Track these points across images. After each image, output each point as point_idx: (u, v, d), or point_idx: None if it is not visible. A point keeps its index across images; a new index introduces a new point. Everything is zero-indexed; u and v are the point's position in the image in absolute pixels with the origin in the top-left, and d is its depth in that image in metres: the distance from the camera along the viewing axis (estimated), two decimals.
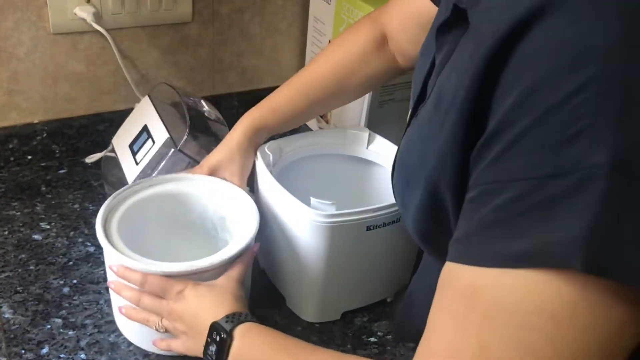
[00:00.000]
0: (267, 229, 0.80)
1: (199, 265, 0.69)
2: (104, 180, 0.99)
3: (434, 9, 0.63)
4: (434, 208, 0.50)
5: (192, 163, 0.87)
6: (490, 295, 0.41)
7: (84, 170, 1.05)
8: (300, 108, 0.84)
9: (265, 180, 0.78)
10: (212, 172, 0.81)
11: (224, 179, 0.81)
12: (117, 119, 1.04)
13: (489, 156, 0.41)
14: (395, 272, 0.84)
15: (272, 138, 0.85)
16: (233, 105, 1.22)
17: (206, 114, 0.95)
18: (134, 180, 0.88)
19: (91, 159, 1.06)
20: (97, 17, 1.00)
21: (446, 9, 0.52)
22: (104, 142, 1.07)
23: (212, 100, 1.15)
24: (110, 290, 0.75)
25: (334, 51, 0.85)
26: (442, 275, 0.46)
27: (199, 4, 1.08)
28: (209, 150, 0.85)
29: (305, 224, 0.73)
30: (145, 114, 0.94)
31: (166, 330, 0.70)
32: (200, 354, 0.68)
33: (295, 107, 0.84)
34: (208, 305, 0.68)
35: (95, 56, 1.04)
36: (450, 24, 0.50)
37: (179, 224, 0.82)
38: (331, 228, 0.72)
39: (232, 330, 0.64)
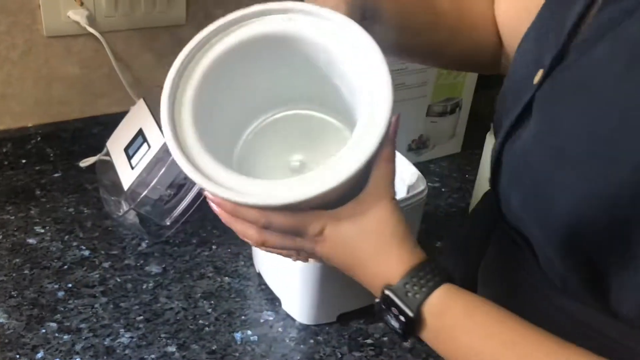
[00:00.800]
0: None
1: (330, 184, 0.48)
2: (99, 183, 0.99)
3: None
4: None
5: None
6: None
7: (78, 173, 1.05)
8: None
9: None
10: None
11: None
12: (111, 122, 1.03)
13: None
14: None
15: None
16: None
17: None
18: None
19: (85, 162, 1.06)
20: (91, 19, 0.99)
21: None
22: (98, 145, 1.06)
23: None
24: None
25: None
26: None
27: (193, 6, 1.08)
28: None
29: None
30: (140, 118, 0.94)
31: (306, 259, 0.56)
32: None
33: None
34: (364, 254, 0.50)
35: (89, 59, 1.04)
36: None
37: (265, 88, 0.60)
38: None
39: (418, 308, 0.47)
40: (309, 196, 0.48)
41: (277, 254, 0.56)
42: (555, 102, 0.46)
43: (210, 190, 0.50)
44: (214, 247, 0.92)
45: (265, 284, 0.85)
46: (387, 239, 0.49)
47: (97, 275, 0.85)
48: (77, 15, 0.98)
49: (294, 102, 0.62)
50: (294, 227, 0.51)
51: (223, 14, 1.19)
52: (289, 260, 0.77)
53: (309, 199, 0.48)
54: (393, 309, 0.48)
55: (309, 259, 0.56)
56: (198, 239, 0.93)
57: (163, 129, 0.52)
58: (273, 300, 0.84)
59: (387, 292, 0.48)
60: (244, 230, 0.53)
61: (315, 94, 0.60)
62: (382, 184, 0.50)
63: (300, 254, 0.54)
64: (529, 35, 0.57)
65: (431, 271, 0.48)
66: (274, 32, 0.54)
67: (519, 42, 0.57)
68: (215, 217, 0.97)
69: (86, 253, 0.89)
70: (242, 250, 0.92)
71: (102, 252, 0.89)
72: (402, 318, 0.47)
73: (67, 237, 0.91)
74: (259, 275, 0.87)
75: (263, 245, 0.53)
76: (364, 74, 0.51)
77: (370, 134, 0.49)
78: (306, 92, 0.60)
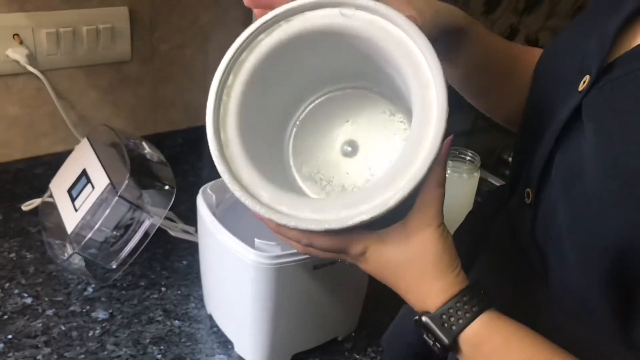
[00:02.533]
0: (212, 272, 0.77)
1: (374, 212, 0.47)
2: (42, 227, 0.95)
3: None
4: None
5: (134, 209, 0.84)
6: None
7: (20, 216, 1.01)
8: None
9: (208, 222, 0.76)
10: None
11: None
12: (55, 161, 1.00)
13: None
14: (346, 310, 0.83)
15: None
16: (177, 143, 1.20)
17: (148, 156, 0.92)
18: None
19: (28, 206, 1.02)
20: (32, 58, 0.97)
21: None
22: (42, 186, 1.03)
23: (155, 138, 1.13)
24: None
25: None
26: None
27: (138, 42, 1.06)
28: (150, 194, 0.83)
29: (250, 266, 0.71)
30: (84, 158, 0.92)
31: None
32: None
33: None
34: (405, 281, 0.51)
35: (30, 98, 1.01)
36: None
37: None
38: (277, 269, 0.71)
39: (455, 338, 0.48)
40: (351, 224, 0.48)
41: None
42: (611, 114, 0.45)
43: (253, 209, 0.51)
44: (163, 289, 0.89)
45: (217, 326, 0.83)
46: (429, 269, 0.50)
47: (40, 324, 0.81)
48: (17, 54, 0.95)
49: (343, 78, 0.62)
50: (336, 248, 0.52)
51: (168, 49, 1.18)
52: (238, 302, 0.75)
53: (350, 227, 0.48)
54: (429, 335, 0.49)
55: None
56: (146, 281, 0.90)
57: (210, 145, 0.53)
58: (225, 343, 0.81)
59: (424, 319, 0.49)
60: (289, 242, 0.55)
61: (366, 73, 0.59)
62: (430, 209, 0.50)
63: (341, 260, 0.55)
64: (561, 41, 0.56)
65: (470, 300, 0.49)
66: (326, 27, 0.53)
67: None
68: (164, 257, 0.95)
69: (28, 301, 0.85)
70: (192, 292, 0.89)
71: (46, 298, 0.86)
72: (438, 344, 0.49)
73: (7, 284, 0.87)
74: (210, 317, 0.84)
75: (307, 253, 0.55)
76: (418, 86, 0.50)
77: (419, 157, 0.48)
78: (357, 70, 0.59)
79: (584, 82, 0.49)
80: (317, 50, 0.56)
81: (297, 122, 0.63)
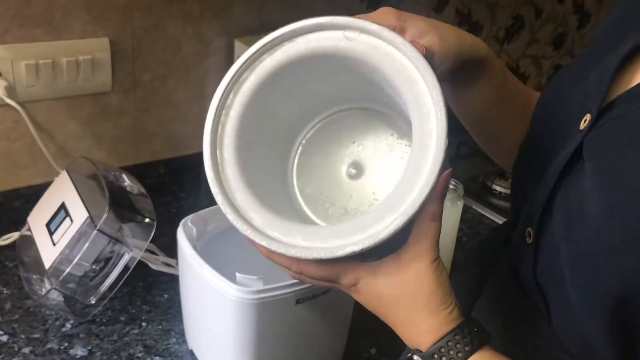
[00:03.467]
0: (194, 307, 0.76)
1: (365, 243, 0.46)
2: (19, 261, 0.93)
3: None
4: None
5: (114, 242, 0.82)
6: None
7: None
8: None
9: (188, 255, 0.75)
10: (400, 21, 0.54)
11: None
12: (34, 194, 0.99)
13: None
14: (331, 342, 0.82)
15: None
16: (159, 173, 1.18)
17: (128, 188, 0.91)
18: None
19: (5, 240, 1.00)
20: (10, 90, 0.95)
21: None
22: (20, 219, 1.01)
23: (137, 169, 1.12)
24: None
25: None
26: None
27: (119, 73, 1.06)
28: (131, 227, 0.82)
29: (231, 301, 0.70)
30: (62, 191, 0.90)
31: None
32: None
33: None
34: (397, 317, 0.50)
35: (9, 130, 0.99)
36: None
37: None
38: (259, 304, 0.70)
39: None
40: (341, 254, 0.47)
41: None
42: (612, 153, 0.45)
43: (244, 233, 0.51)
44: (143, 324, 0.87)
45: None
46: (421, 305, 0.49)
47: None
48: None
49: (348, 100, 0.61)
50: (326, 277, 0.51)
51: (150, 79, 1.18)
52: (220, 337, 0.74)
53: (340, 257, 0.47)
54: None
55: None
56: (126, 316, 0.88)
57: (205, 165, 0.53)
58: None
59: (415, 358, 0.48)
60: (281, 267, 0.54)
61: (369, 97, 0.59)
62: (424, 243, 0.49)
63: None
64: (562, 80, 0.56)
65: (462, 339, 0.47)
66: (329, 49, 0.53)
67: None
68: (145, 291, 0.94)
69: (4, 338, 0.83)
70: (173, 327, 0.87)
71: (22, 336, 0.84)
72: None
73: None
74: (192, 352, 0.82)
75: (299, 280, 0.54)
76: (418, 116, 0.49)
77: (415, 189, 0.47)
78: (362, 93, 0.59)
79: (585, 121, 0.48)
80: (320, 72, 0.56)
81: (303, 142, 0.63)
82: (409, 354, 0.49)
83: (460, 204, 1.02)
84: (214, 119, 0.53)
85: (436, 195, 0.48)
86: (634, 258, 0.41)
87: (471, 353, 0.47)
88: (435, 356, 0.47)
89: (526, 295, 0.55)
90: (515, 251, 0.57)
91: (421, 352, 0.48)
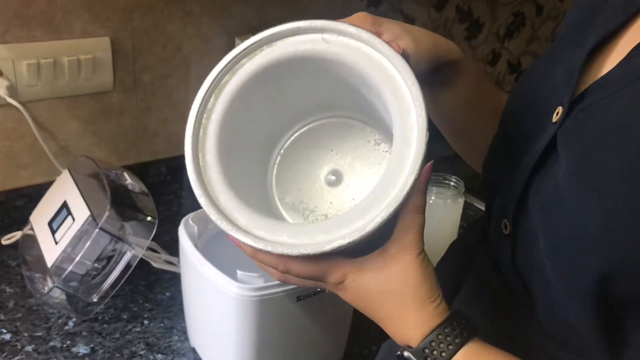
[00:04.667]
0: (195, 304, 0.76)
1: (352, 237, 0.46)
2: (22, 260, 0.94)
3: None
4: None
5: (116, 240, 0.83)
6: None
7: (0, 249, 0.99)
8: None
9: (189, 253, 0.75)
10: (375, 26, 0.55)
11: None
12: (36, 193, 0.99)
13: None
14: (331, 341, 0.82)
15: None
16: (161, 172, 1.19)
17: (129, 187, 0.91)
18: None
19: (8, 239, 1.00)
20: (12, 90, 0.96)
21: None
22: (23, 218, 1.02)
23: (139, 168, 1.12)
24: None
25: None
26: None
27: (120, 72, 1.06)
28: (132, 225, 0.82)
29: (232, 298, 0.70)
30: (64, 190, 0.91)
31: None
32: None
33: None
34: (384, 312, 0.50)
35: (10, 130, 1.00)
36: None
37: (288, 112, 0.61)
38: (260, 301, 0.70)
39: None
40: (328, 249, 0.47)
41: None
42: (585, 141, 0.46)
43: (229, 232, 0.50)
44: (145, 322, 0.88)
45: (201, 359, 0.82)
46: (408, 299, 0.49)
47: None
48: None
49: (327, 108, 0.61)
50: (314, 275, 0.51)
51: (151, 79, 1.18)
52: (222, 334, 0.74)
53: (327, 252, 0.47)
54: None
55: None
56: (129, 314, 0.89)
57: (187, 168, 0.53)
58: None
59: (406, 354, 0.48)
60: (266, 268, 0.53)
61: (348, 104, 0.60)
62: (408, 237, 0.49)
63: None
64: (530, 76, 0.57)
65: (452, 332, 0.48)
66: (308, 52, 0.53)
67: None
68: (146, 289, 0.94)
69: (7, 336, 0.83)
70: (175, 324, 0.88)
71: (25, 334, 0.84)
72: None
73: None
74: (194, 350, 0.83)
75: (284, 281, 0.54)
76: (398, 111, 0.49)
77: (398, 182, 0.47)
78: (340, 99, 0.59)
79: (557, 113, 0.49)
80: (299, 76, 0.56)
81: (282, 151, 0.63)
82: (399, 352, 0.49)
83: (461, 201, 1.02)
84: (195, 122, 0.54)
85: (419, 188, 0.49)
86: (615, 238, 0.42)
87: (461, 345, 0.47)
88: (427, 350, 0.47)
89: (508, 286, 0.55)
90: (494, 244, 0.58)
91: (411, 347, 0.48)
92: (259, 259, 0.52)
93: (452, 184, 1.03)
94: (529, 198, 0.50)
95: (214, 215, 0.51)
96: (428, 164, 0.49)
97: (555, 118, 0.49)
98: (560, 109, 0.49)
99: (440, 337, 0.48)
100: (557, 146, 0.48)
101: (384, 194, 0.48)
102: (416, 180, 0.47)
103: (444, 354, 0.47)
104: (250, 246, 0.50)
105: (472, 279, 0.62)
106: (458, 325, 0.48)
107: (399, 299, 0.49)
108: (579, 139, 0.46)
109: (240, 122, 0.56)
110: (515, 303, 0.55)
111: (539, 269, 0.49)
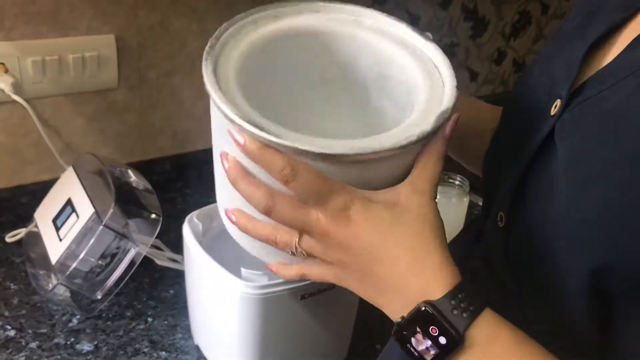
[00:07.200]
0: (199, 302, 0.76)
1: (389, 144, 0.43)
2: (26, 257, 0.94)
3: None
4: None
5: (120, 238, 0.83)
6: None
7: (5, 246, 0.99)
8: None
9: (194, 251, 0.75)
10: None
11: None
12: (40, 190, 0.99)
13: None
14: (335, 339, 0.82)
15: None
16: (166, 170, 1.19)
17: (134, 184, 0.91)
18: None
19: (12, 237, 1.00)
20: (17, 86, 0.96)
21: None
22: (27, 215, 1.02)
23: (144, 165, 1.12)
24: (216, 177, 0.51)
25: None
26: None
27: (125, 69, 1.06)
28: (137, 222, 0.82)
29: (236, 296, 0.70)
30: (69, 187, 0.91)
31: (306, 254, 0.47)
32: (374, 302, 0.46)
33: None
34: (397, 248, 0.43)
35: (15, 126, 1.00)
36: None
37: (312, 81, 0.60)
38: (263, 299, 0.70)
39: (465, 330, 0.41)
40: (358, 152, 0.42)
41: (268, 239, 0.48)
42: (583, 132, 0.45)
43: (242, 125, 0.44)
44: (149, 319, 0.88)
45: (205, 358, 0.81)
46: (428, 236, 0.43)
47: (23, 358, 0.80)
48: (2, 83, 0.94)
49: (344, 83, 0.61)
50: (318, 190, 0.43)
51: (156, 76, 1.18)
52: (225, 332, 0.74)
53: (352, 155, 0.42)
54: (432, 328, 0.41)
55: (307, 259, 0.48)
56: (132, 312, 0.89)
57: (203, 71, 0.51)
58: None
59: (426, 307, 0.41)
60: (252, 192, 0.46)
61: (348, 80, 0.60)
62: (423, 178, 0.46)
63: (302, 243, 0.46)
64: (531, 71, 0.58)
65: (474, 290, 0.43)
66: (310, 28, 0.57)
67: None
68: (150, 286, 0.94)
69: (11, 333, 0.83)
70: (179, 322, 0.88)
71: (29, 331, 0.84)
72: (441, 340, 0.41)
73: None
74: (198, 348, 0.83)
75: (269, 212, 0.45)
76: (419, 64, 0.53)
77: (433, 115, 0.47)
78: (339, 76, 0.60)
79: (555, 106, 0.50)
80: (319, 50, 0.58)
81: (291, 117, 0.59)
82: (420, 308, 0.42)
83: (466, 200, 1.02)
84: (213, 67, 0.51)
85: (443, 135, 0.48)
86: (611, 228, 0.41)
87: (485, 305, 0.44)
88: (454, 302, 0.41)
89: (499, 283, 0.55)
90: (489, 239, 0.57)
91: (434, 300, 0.41)
92: (265, 159, 0.44)
93: (457, 182, 1.03)
94: (525, 191, 0.50)
95: (218, 99, 0.46)
96: (455, 114, 0.48)
97: (553, 111, 0.50)
98: (558, 102, 0.49)
99: (463, 294, 0.42)
100: (555, 138, 0.48)
101: (422, 119, 0.47)
102: (442, 125, 0.47)
103: (472, 308, 0.42)
104: (267, 141, 0.43)
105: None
106: (482, 286, 0.46)
107: (417, 233, 0.43)
108: (577, 130, 0.46)
109: (258, 70, 0.55)
110: (505, 300, 0.54)
111: (530, 263, 0.49)
